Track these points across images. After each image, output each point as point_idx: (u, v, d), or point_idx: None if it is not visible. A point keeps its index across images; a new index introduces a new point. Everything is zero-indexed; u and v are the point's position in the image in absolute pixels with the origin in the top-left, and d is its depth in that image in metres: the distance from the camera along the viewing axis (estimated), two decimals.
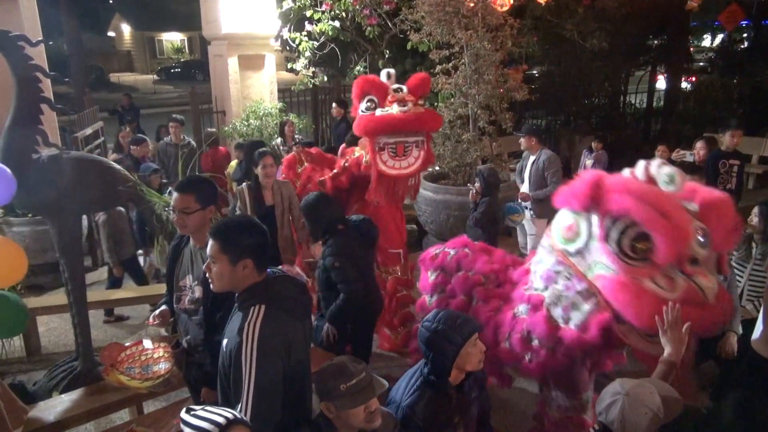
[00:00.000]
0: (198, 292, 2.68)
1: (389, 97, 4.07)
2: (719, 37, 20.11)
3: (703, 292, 2.22)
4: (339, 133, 7.90)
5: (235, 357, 1.98)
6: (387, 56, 8.15)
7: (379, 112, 4.06)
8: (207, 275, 2.17)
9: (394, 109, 3.99)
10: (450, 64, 6.42)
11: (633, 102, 13.97)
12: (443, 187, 6.56)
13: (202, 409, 1.75)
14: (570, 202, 2.49)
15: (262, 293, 2.08)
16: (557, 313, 2.69)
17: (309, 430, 2.13)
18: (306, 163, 4.87)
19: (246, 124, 7.92)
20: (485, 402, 2.63)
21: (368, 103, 4.12)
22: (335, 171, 4.56)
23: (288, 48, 8.59)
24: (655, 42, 13.81)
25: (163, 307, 2.88)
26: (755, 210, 3.90)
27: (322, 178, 4.62)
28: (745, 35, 16.53)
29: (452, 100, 6.56)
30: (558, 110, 12.62)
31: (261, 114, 8.06)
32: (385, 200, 4.33)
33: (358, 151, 4.47)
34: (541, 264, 2.79)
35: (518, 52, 7.32)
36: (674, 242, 2.18)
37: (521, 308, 2.90)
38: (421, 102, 4.24)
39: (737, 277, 3.87)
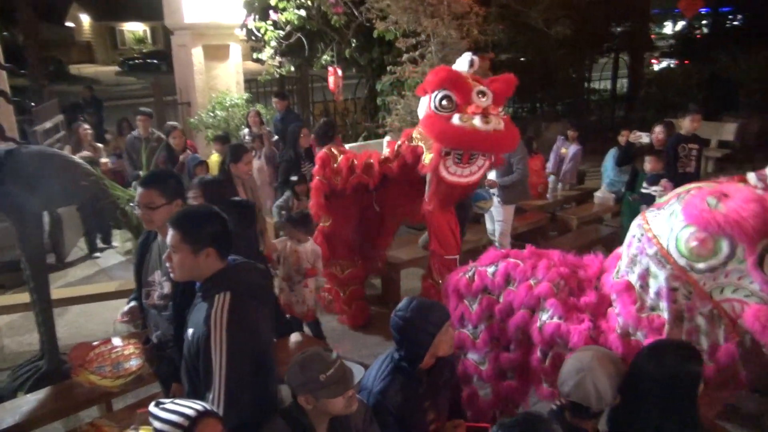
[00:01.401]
0: (167, 288, 2.64)
1: (473, 105, 3.61)
2: (680, 24, 20.60)
3: None
4: (291, 129, 6.51)
5: (204, 347, 1.97)
6: (354, 45, 8.11)
7: (456, 119, 3.59)
8: (167, 265, 2.13)
9: (476, 123, 3.54)
10: (417, 53, 6.43)
11: (597, 88, 14.22)
12: None
13: (172, 402, 1.74)
14: (721, 230, 2.14)
15: (226, 281, 2.06)
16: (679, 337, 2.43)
17: (281, 418, 2.13)
18: (340, 158, 4.42)
19: (212, 115, 7.80)
20: (455, 385, 2.67)
21: (445, 101, 3.66)
22: (385, 156, 4.15)
23: (253, 38, 8.45)
24: (618, 29, 14.07)
25: (133, 303, 2.84)
26: None
27: (370, 160, 4.21)
28: (704, 22, 16.98)
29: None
30: (524, 98, 12.76)
31: (227, 105, 7.94)
32: (438, 206, 4.07)
33: (417, 140, 3.98)
34: (653, 279, 2.42)
35: (484, 40, 7.36)
36: None
37: (639, 334, 2.46)
38: (501, 111, 3.79)
39: None
